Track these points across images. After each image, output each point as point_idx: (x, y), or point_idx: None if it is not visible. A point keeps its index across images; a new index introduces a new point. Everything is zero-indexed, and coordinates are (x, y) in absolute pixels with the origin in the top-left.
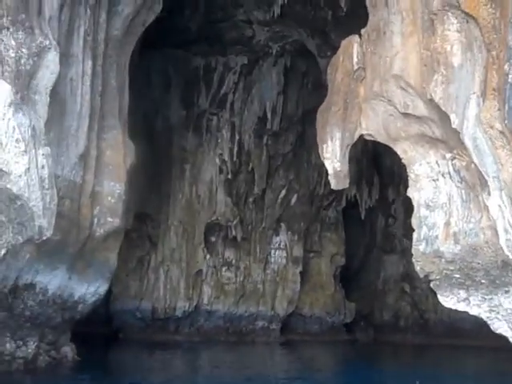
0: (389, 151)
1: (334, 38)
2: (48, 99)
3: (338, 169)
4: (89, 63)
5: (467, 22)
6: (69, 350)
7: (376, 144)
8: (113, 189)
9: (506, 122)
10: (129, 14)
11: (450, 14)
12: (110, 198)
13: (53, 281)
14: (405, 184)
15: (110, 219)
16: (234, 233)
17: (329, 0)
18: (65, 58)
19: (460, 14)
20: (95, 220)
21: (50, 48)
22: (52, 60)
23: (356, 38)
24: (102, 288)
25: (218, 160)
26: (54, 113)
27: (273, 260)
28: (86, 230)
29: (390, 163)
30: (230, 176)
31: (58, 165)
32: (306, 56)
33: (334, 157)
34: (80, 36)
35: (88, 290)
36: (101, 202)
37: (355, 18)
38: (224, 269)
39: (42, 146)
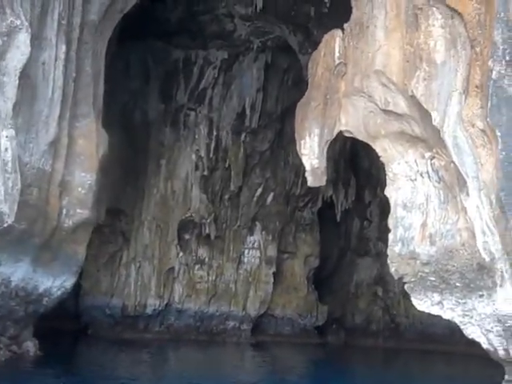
0: (367, 152)
1: (316, 35)
2: (17, 81)
3: (316, 165)
4: (62, 48)
5: (452, 17)
6: (31, 345)
7: (354, 145)
8: (83, 179)
9: (488, 119)
10: None
11: (434, 9)
12: (80, 189)
13: (16, 272)
14: (382, 186)
15: (79, 211)
16: (207, 230)
17: None
18: (37, 41)
19: (445, 9)
20: (64, 211)
21: (21, 28)
22: (23, 41)
23: (338, 32)
24: (69, 282)
25: (194, 156)
26: (24, 97)
27: (246, 260)
28: (53, 221)
29: (367, 165)
30: (206, 173)
31: (27, 151)
32: (288, 52)
33: (311, 153)
34: (54, 19)
35: (54, 283)
36: (70, 193)
37: (338, 15)
38: (197, 267)
39: (7, 129)
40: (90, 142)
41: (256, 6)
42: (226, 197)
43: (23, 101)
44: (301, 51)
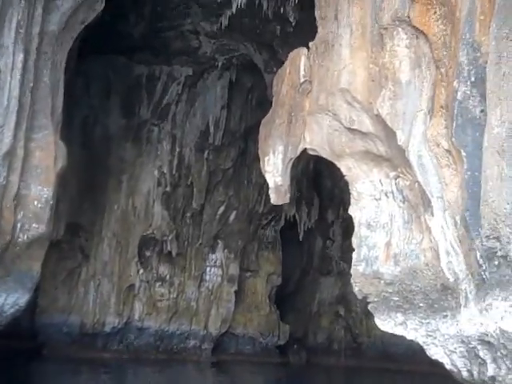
0: (330, 172)
1: (282, 53)
2: None
3: (279, 183)
4: (20, 56)
5: (417, 37)
6: None
7: (317, 164)
8: (40, 193)
9: (452, 139)
10: (67, 9)
11: (400, 29)
12: (36, 203)
13: None
14: (344, 206)
15: (35, 225)
16: (169, 248)
17: (277, 14)
18: None
19: (410, 29)
20: (18, 225)
21: None
22: None
23: (304, 50)
24: (23, 299)
25: (156, 172)
26: None
27: (208, 278)
28: (6, 236)
29: (330, 184)
30: (168, 189)
31: None
32: (252, 71)
33: (275, 170)
34: (12, 27)
35: (6, 300)
36: (26, 207)
37: (303, 34)
38: (157, 284)
39: None
40: (48, 154)
41: (221, 24)
42: (188, 214)
43: None
44: (266, 70)
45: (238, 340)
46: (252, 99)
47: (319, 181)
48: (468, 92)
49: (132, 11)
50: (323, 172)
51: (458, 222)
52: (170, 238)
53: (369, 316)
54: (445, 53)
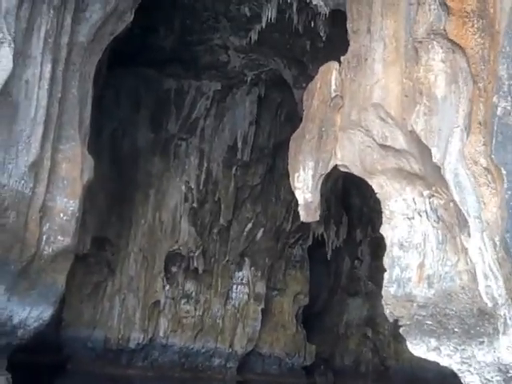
0: (359, 190)
1: (312, 69)
2: None
3: (309, 200)
4: (48, 67)
5: (453, 51)
6: (3, 380)
7: (346, 182)
8: (66, 205)
9: (492, 156)
10: (97, 21)
11: (435, 42)
12: (62, 215)
13: None
14: (373, 225)
15: (60, 238)
16: (195, 264)
17: (308, 28)
18: (21, 58)
19: (446, 43)
20: (44, 237)
21: (3, 42)
22: (5, 56)
23: (335, 64)
24: (47, 313)
25: (184, 187)
26: (4, 115)
27: (234, 295)
28: (31, 248)
29: (359, 203)
30: (195, 205)
31: (5, 172)
32: (282, 86)
33: (305, 187)
34: (40, 37)
35: (30, 314)
36: (51, 219)
37: (334, 49)
38: (183, 301)
39: None
40: (75, 166)
41: (251, 38)
42: (215, 230)
43: (3, 119)
44: (295, 85)
45: (264, 359)
46: (281, 115)
47: (348, 199)
48: (509, 108)
49: (162, 24)
50: (352, 190)
51: (498, 243)
52: (196, 254)
53: (397, 339)
54: (483, 67)
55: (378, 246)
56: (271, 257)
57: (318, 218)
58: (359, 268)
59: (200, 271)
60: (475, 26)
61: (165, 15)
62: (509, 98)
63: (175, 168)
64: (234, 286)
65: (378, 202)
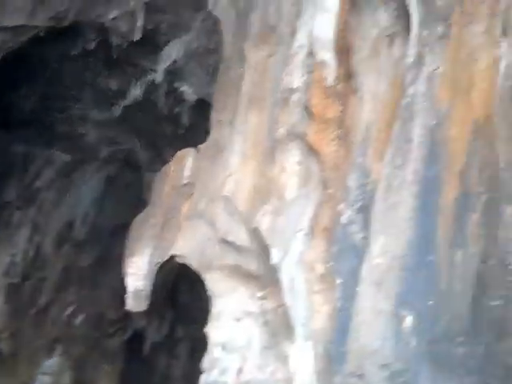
0: (189, 286)
1: (168, 153)
2: None
3: (141, 288)
4: None
5: (309, 155)
6: None
7: (179, 277)
8: None
9: (330, 263)
10: None
11: (293, 144)
12: None
13: None
14: (196, 323)
15: None
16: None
17: (172, 113)
18: None
19: (304, 146)
20: None
21: None
22: None
23: (192, 151)
24: None
25: (8, 259)
26: None
27: None
28: None
29: (187, 300)
30: (16, 280)
31: None
32: (133, 167)
33: (139, 273)
34: None
35: None
36: None
37: (194, 137)
38: None
39: None
40: None
41: (113, 114)
42: (33, 311)
43: None
44: (148, 168)
45: None
46: (128, 197)
47: (176, 294)
48: (353, 217)
49: (25, 82)
50: (183, 286)
51: (320, 353)
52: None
53: None
54: (335, 174)
55: (197, 345)
56: (87, 346)
57: (145, 308)
58: (175, 366)
59: (5, 354)
60: (334, 133)
61: (29, 74)
62: (354, 208)
63: (3, 238)
64: (40, 376)
65: (207, 300)
